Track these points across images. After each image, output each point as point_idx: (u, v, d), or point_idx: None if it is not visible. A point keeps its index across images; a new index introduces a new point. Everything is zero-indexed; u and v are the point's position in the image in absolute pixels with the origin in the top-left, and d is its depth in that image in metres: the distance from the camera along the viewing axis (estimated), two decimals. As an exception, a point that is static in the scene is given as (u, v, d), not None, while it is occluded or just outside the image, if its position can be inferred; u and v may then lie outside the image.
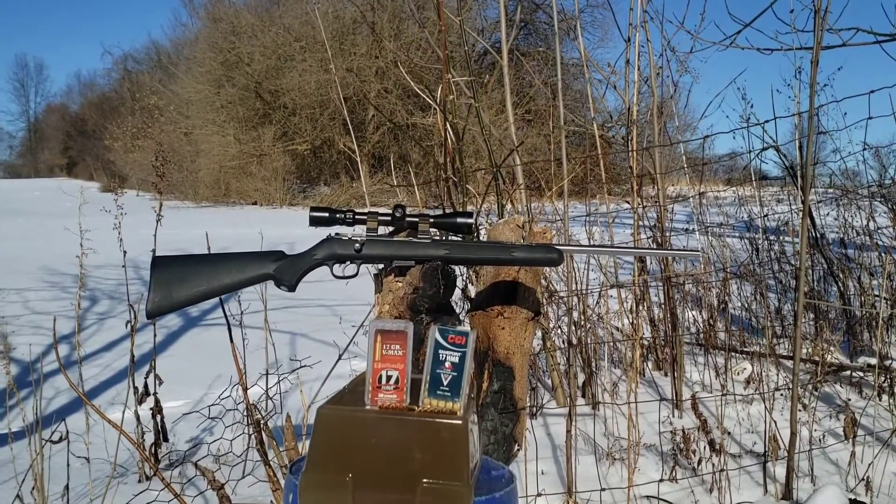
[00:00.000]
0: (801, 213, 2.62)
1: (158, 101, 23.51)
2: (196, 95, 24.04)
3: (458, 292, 2.75)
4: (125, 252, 2.80)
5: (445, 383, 1.06)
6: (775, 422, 2.65)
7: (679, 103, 4.35)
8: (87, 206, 3.12)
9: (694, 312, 4.22)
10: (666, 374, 3.70)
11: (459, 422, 1.03)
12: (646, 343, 3.82)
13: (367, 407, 1.06)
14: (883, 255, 4.16)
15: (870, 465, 2.52)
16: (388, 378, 1.07)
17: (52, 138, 54.94)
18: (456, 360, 1.07)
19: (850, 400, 3.09)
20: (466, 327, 1.08)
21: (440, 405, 1.06)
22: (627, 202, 3.51)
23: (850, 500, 2.17)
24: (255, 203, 22.35)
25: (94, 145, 36.51)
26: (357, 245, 1.47)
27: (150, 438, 2.74)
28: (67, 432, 2.18)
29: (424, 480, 1.01)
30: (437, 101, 2.65)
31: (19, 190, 28.49)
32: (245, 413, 2.05)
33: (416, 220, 1.49)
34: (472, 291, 2.69)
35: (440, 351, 1.08)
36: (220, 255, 1.51)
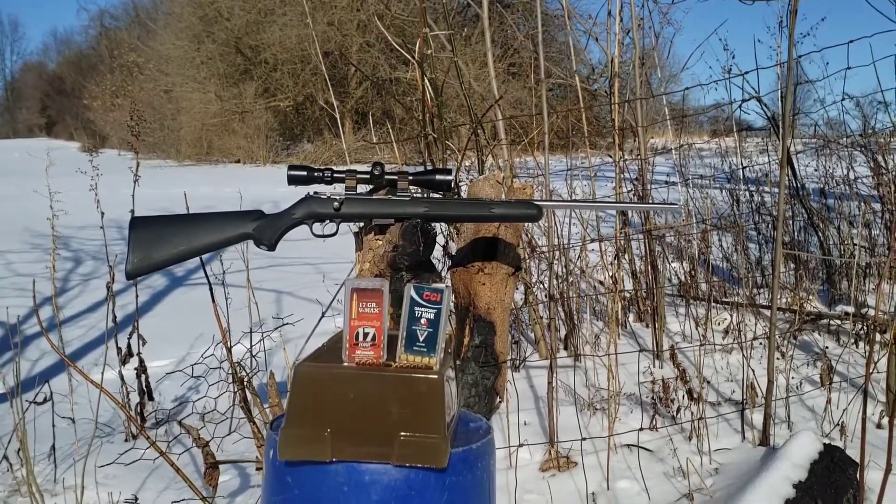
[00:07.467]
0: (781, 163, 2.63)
1: (137, 59, 23.16)
2: (175, 52, 23.59)
3: (438, 249, 2.76)
4: (102, 213, 2.79)
5: (421, 339, 1.08)
6: (753, 370, 2.70)
7: (662, 55, 4.33)
8: (64, 167, 3.09)
9: (675, 264, 4.26)
10: (647, 326, 3.74)
11: (435, 376, 1.05)
12: (627, 295, 3.85)
13: (345, 364, 1.08)
14: (862, 203, 4.19)
15: (844, 410, 2.58)
16: (366, 335, 1.08)
17: (30, 98, 53.82)
18: (431, 316, 1.09)
19: (827, 348, 3.14)
20: (441, 284, 1.09)
21: (416, 360, 1.08)
22: (610, 156, 3.51)
23: (824, 444, 2.22)
24: (238, 161, 22.12)
25: (73, 104, 35.89)
26: (336, 204, 1.47)
27: (136, 398, 2.76)
28: (52, 393, 2.20)
29: (402, 434, 1.03)
30: (415, 55, 2.62)
31: (-2, 151, 28.04)
32: (229, 371, 2.06)
33: (395, 177, 1.49)
34: (453, 248, 2.70)
35: (415, 308, 1.09)
36: (199, 214, 1.50)
